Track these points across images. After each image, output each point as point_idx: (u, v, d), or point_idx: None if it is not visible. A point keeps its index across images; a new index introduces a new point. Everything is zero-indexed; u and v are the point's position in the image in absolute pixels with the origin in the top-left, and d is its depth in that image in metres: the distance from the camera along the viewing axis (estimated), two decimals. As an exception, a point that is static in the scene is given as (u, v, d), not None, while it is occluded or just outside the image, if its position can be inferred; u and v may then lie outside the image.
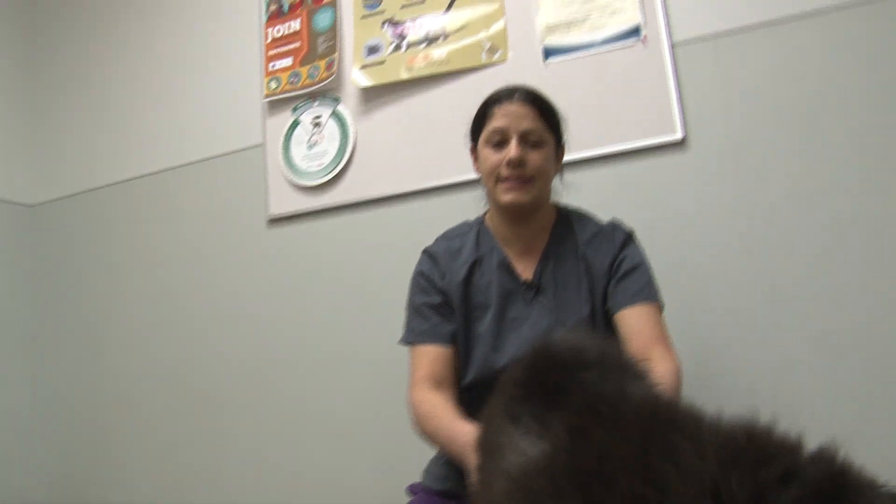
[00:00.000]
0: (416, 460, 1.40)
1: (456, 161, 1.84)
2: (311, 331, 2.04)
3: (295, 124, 2.14)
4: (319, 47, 2.12)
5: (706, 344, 1.60)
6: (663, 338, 1.23)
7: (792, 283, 1.57)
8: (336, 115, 2.08)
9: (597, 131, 1.74)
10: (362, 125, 2.05)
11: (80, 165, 2.52)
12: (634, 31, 1.76)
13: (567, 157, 1.42)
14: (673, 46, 1.72)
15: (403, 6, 2.02)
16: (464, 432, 1.08)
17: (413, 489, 1.38)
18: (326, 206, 2.06)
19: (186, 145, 2.32)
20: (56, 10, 2.66)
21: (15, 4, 2.65)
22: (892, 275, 1.50)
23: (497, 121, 1.31)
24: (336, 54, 2.09)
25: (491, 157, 1.31)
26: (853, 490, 0.38)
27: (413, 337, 1.34)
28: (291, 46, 2.17)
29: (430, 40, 1.97)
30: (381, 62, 2.02)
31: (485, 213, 1.43)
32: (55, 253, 2.52)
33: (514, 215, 1.34)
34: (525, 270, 1.34)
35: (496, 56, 1.90)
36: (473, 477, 1.00)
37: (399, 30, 2.02)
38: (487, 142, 1.32)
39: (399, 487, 1.42)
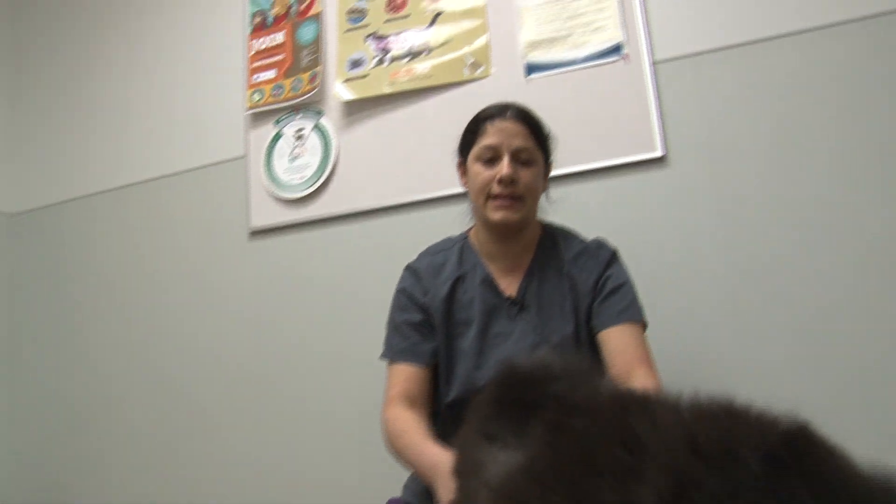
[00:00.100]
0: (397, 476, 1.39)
1: (438, 175, 1.84)
2: (292, 341, 2.03)
3: (277, 137, 2.13)
4: (303, 60, 2.12)
5: (689, 358, 1.61)
6: (646, 358, 1.24)
7: (773, 297, 1.59)
8: (318, 128, 2.08)
9: (578, 147, 1.75)
10: (345, 138, 2.04)
11: (61, 175, 2.49)
12: (616, 49, 1.78)
13: (549, 173, 1.42)
14: (654, 64, 1.74)
15: (387, 21, 2.03)
16: (432, 453, 1.08)
17: (393, 503, 1.37)
18: (308, 219, 2.05)
19: (168, 156, 2.31)
20: (41, 22, 2.64)
21: (-4, 14, 2.63)
22: (873, 284, 1.52)
23: (489, 137, 1.30)
24: (319, 67, 2.09)
25: (482, 173, 1.30)
26: (822, 444, 0.39)
27: (391, 354, 1.34)
28: (275, 59, 2.16)
29: (414, 55, 1.98)
30: (364, 76, 2.03)
31: (469, 229, 1.43)
32: (33, 262, 2.48)
33: (502, 233, 1.34)
34: (509, 287, 1.34)
35: (479, 71, 1.91)
36: (443, 499, 1.00)
37: (382, 44, 2.02)
38: (478, 158, 1.31)
39: (382, 498, 1.41)
